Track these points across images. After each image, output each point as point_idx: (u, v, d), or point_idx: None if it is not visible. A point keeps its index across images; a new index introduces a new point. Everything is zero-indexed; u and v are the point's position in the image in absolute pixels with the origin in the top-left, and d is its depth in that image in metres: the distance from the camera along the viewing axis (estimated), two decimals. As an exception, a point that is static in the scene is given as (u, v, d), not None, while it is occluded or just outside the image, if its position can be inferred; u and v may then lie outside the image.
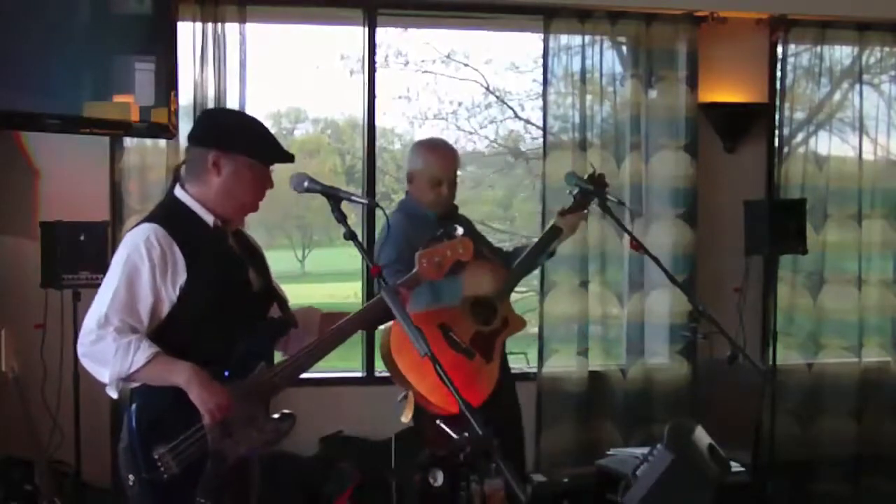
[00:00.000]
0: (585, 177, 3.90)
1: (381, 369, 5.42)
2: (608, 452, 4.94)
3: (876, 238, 5.77)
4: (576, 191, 3.87)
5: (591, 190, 3.85)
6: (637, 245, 3.74)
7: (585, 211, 3.92)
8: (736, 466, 4.44)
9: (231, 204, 2.74)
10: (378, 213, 5.09)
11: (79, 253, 4.49)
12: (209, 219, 2.72)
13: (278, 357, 2.84)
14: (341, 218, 2.61)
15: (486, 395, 3.62)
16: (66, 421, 4.54)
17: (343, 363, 5.49)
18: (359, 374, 5.35)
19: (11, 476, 4.30)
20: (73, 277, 4.48)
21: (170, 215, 2.71)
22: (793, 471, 5.40)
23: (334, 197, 2.62)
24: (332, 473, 4.79)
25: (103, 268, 4.50)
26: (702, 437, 4.21)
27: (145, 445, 2.56)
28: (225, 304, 2.67)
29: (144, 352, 2.54)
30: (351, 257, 6.07)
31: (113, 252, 4.73)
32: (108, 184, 4.95)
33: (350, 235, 2.59)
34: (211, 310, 2.65)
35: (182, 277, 2.62)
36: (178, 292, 2.62)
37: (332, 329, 2.76)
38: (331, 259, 8.07)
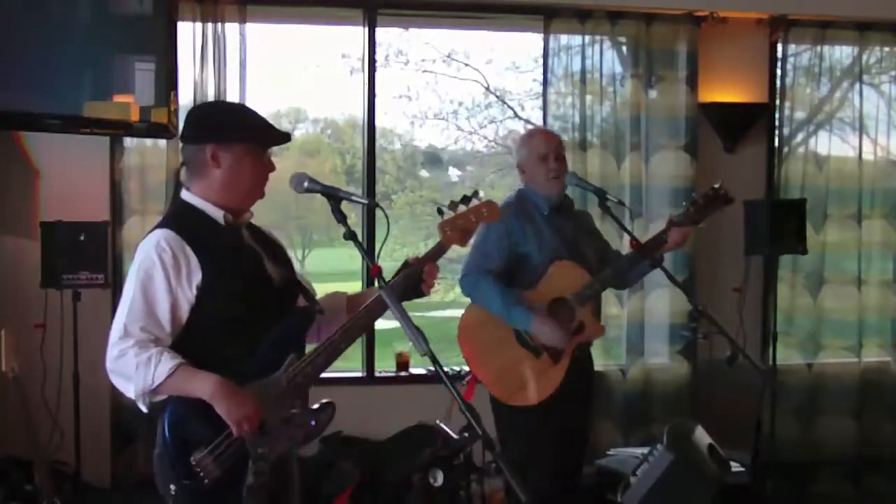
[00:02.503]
0: (710, 191, 3.77)
1: (380, 369, 5.43)
2: (608, 452, 4.95)
3: (876, 238, 5.78)
4: (689, 202, 3.79)
5: (593, 190, 3.86)
6: (637, 245, 3.73)
7: (692, 228, 3.78)
8: (736, 466, 4.44)
9: (236, 194, 2.70)
10: (378, 213, 5.10)
11: (79, 253, 4.49)
12: (219, 215, 2.69)
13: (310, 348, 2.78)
14: (341, 218, 2.59)
15: (545, 395, 3.66)
16: (66, 421, 4.54)
17: (343, 363, 5.46)
18: (359, 374, 5.36)
19: (11, 476, 4.30)
20: (73, 277, 4.48)
21: (178, 218, 2.69)
22: (793, 471, 5.40)
23: (334, 197, 2.61)
24: (332, 473, 4.78)
25: (103, 268, 4.56)
26: (702, 437, 4.21)
27: (181, 452, 2.52)
28: (245, 301, 2.63)
29: (166, 364, 2.50)
30: (351, 257, 6.08)
31: (113, 252, 4.79)
32: (108, 184, 4.95)
33: (350, 235, 2.58)
34: (231, 307, 2.61)
35: (197, 277, 2.58)
36: (195, 292, 2.58)
37: (359, 311, 2.72)
38: (331, 259, 8.07)
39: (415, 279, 2.75)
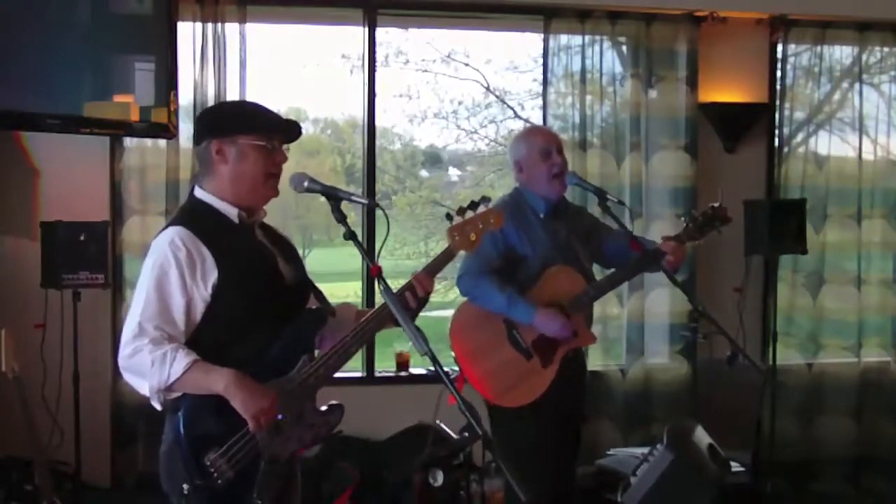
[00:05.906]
0: (709, 209, 3.74)
1: (381, 369, 5.44)
2: (608, 452, 4.95)
3: (876, 238, 5.78)
4: (688, 217, 3.78)
5: (593, 190, 3.85)
6: (638, 246, 3.73)
7: (687, 243, 3.75)
8: (736, 466, 4.44)
9: (246, 188, 2.68)
10: (378, 212, 5.10)
11: (79, 253, 4.49)
12: (233, 213, 2.68)
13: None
14: (341, 218, 2.59)
15: (533, 397, 3.64)
16: (66, 421, 4.54)
17: (343, 363, 5.49)
18: (359, 374, 5.36)
19: (11, 476, 4.30)
20: (73, 277, 4.48)
21: (193, 215, 2.68)
22: (793, 471, 5.40)
23: (334, 197, 2.61)
24: (332, 473, 4.79)
25: (103, 268, 4.56)
26: (702, 437, 4.22)
27: (195, 452, 2.51)
28: (260, 300, 2.63)
29: (181, 361, 2.48)
30: (351, 257, 6.07)
31: (113, 252, 4.79)
32: (108, 184, 4.95)
33: (350, 235, 2.58)
34: (246, 306, 2.61)
35: (213, 275, 2.58)
36: (210, 290, 2.58)
37: (371, 314, 2.71)
38: (331, 259, 8.06)
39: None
